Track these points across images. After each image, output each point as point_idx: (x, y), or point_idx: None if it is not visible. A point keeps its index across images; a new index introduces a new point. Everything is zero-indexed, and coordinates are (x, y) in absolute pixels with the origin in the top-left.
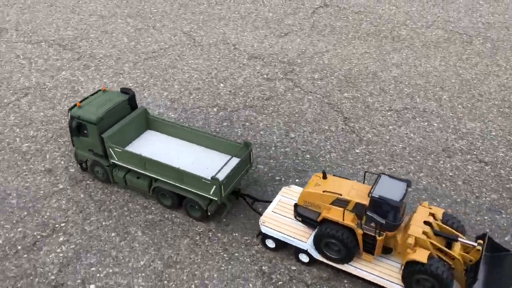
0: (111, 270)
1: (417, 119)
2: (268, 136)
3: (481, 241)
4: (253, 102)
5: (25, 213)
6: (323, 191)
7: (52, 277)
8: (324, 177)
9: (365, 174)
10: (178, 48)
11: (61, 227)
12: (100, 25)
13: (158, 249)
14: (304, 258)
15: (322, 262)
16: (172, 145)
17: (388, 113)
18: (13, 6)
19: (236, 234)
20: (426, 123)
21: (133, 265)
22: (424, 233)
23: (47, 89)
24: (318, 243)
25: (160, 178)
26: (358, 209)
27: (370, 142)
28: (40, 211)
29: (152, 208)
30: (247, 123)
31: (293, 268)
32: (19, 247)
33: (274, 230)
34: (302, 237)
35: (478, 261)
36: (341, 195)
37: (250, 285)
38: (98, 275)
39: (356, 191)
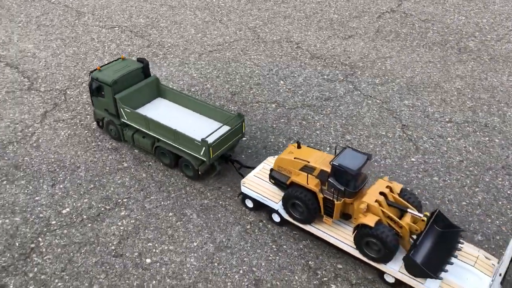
0: (166, 247)
1: (478, 133)
2: (324, 136)
3: (427, 213)
4: (312, 102)
5: (92, 185)
6: (294, 158)
7: (112, 247)
8: (299, 147)
9: (336, 147)
10: (242, 43)
11: (123, 202)
12: (170, 15)
13: (211, 233)
14: (276, 218)
15: (367, 263)
16: (176, 112)
17: (448, 125)
18: None
19: (286, 227)
20: (487, 138)
21: (187, 245)
22: (377, 201)
23: None
24: (285, 203)
25: (161, 138)
26: (323, 176)
27: (427, 152)
28: (105, 186)
29: (208, 193)
30: (304, 122)
31: (339, 266)
32: (84, 217)
33: (252, 191)
34: (274, 199)
35: (423, 231)
36: (309, 162)
37: (296, 277)
38: (154, 250)
39: (322, 160)
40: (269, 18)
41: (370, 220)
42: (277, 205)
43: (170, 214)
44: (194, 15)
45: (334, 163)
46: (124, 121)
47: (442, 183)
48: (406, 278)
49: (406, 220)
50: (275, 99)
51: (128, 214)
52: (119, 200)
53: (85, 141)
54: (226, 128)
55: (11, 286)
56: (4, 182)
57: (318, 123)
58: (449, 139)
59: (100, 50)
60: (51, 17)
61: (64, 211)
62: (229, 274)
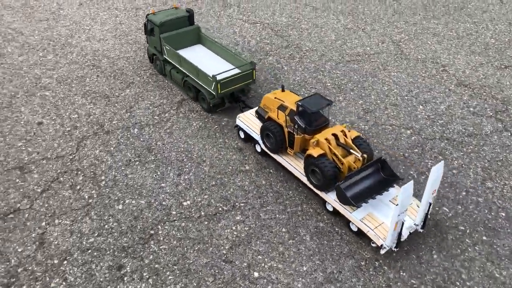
0: (275, 265)
1: None
2: (461, 178)
3: (364, 155)
4: (452, 135)
5: (213, 183)
6: (274, 98)
7: (224, 252)
8: (283, 90)
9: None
10: (383, 57)
11: (240, 206)
12: (312, 17)
13: (322, 261)
14: (258, 148)
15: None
16: (207, 56)
17: None
18: None
19: (404, 274)
20: None
21: (296, 268)
22: (327, 139)
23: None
24: (262, 134)
25: (187, 73)
26: (292, 114)
27: None
28: (226, 185)
29: (324, 216)
30: (440, 157)
31: None
32: (202, 213)
33: (244, 124)
34: (258, 132)
35: (359, 168)
36: (284, 102)
37: None
38: (263, 264)
39: (295, 102)
40: (416, 34)
41: (315, 152)
42: (259, 138)
43: (284, 230)
44: (337, 20)
45: (298, 102)
46: (165, 57)
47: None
48: (338, 206)
49: (349, 159)
50: (411, 124)
51: (243, 220)
52: (236, 203)
53: (214, 136)
54: (236, 70)
55: (128, 269)
56: (137, 162)
57: (456, 161)
58: None
59: (240, 45)
60: (199, 4)
61: (185, 203)
62: None
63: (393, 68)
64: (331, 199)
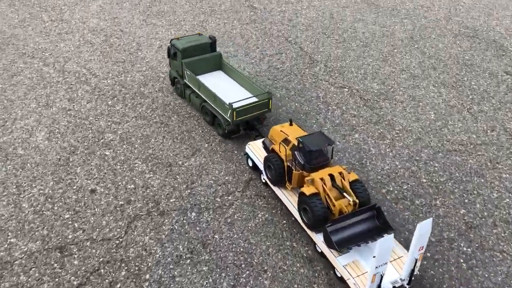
0: None
1: None
2: None
3: (356, 200)
4: None
5: None
6: (280, 131)
7: None
8: (291, 124)
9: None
10: (493, 150)
11: None
12: (409, 87)
13: None
14: (264, 177)
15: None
16: (226, 83)
17: None
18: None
19: None
20: None
21: None
22: (322, 179)
23: (336, 151)
24: (264, 165)
25: (205, 98)
26: (294, 149)
27: None
28: None
29: None
30: None
31: None
32: None
33: (252, 152)
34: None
35: (349, 213)
36: (288, 136)
37: None
38: None
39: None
40: None
41: (308, 190)
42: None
43: None
44: (438, 93)
45: (299, 138)
46: (186, 82)
47: None
48: (325, 249)
49: (341, 202)
50: None
51: None
52: None
53: (280, 236)
54: (253, 99)
55: None
56: (188, 261)
57: None
58: None
59: (322, 114)
60: (283, 59)
61: None
62: None
63: (505, 168)
64: (320, 240)
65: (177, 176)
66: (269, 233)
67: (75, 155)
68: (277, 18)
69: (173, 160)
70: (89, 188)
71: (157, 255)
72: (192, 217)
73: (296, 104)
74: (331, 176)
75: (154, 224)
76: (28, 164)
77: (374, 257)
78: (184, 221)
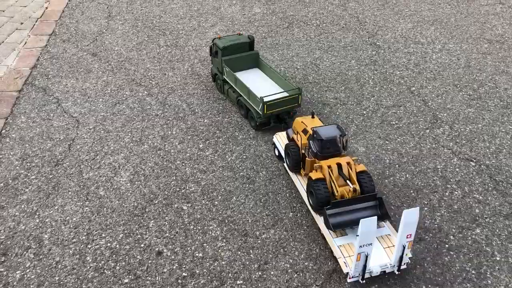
0: None
1: None
2: None
3: (356, 186)
4: None
5: None
6: (301, 122)
7: None
8: (312, 116)
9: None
10: None
11: None
12: None
13: None
14: (285, 165)
15: None
16: (261, 79)
17: None
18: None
19: None
20: None
21: None
22: (329, 167)
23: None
24: (284, 152)
25: (240, 93)
26: (309, 138)
27: None
28: None
29: None
30: None
31: None
32: None
33: (278, 142)
34: None
35: (349, 198)
36: (307, 126)
37: None
38: None
39: None
40: None
41: (314, 175)
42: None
43: None
44: None
45: (313, 128)
46: (225, 77)
47: None
48: (324, 230)
49: (344, 189)
50: None
51: None
52: None
53: None
54: (284, 94)
55: None
56: None
57: None
58: None
59: (437, 194)
60: (400, 113)
61: None
62: None
63: None
64: (321, 221)
65: (251, 251)
66: None
67: (152, 205)
68: (402, 61)
69: (250, 229)
70: (156, 249)
71: None
72: None
73: (407, 176)
74: (339, 165)
75: None
76: (105, 209)
77: (357, 236)
78: None
